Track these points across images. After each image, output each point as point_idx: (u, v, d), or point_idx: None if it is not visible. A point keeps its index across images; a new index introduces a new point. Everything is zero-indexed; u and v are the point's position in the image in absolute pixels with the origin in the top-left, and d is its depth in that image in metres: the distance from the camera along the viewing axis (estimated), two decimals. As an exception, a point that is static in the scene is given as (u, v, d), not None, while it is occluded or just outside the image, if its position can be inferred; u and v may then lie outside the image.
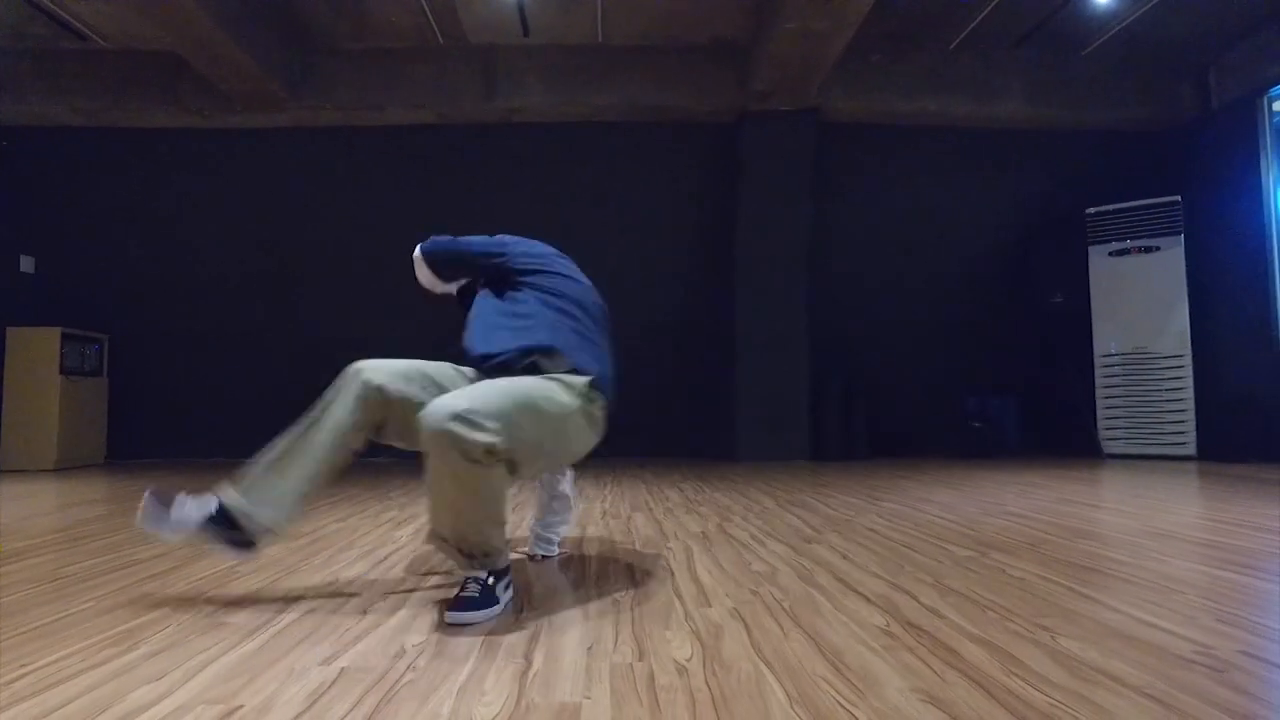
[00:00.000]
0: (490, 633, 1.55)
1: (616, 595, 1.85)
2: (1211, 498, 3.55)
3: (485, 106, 5.53)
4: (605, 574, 2.09)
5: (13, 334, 5.62)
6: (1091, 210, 5.83)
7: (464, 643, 1.48)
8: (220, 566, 2.19)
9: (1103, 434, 5.72)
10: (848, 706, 1.16)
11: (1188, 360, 5.40)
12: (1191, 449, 5.36)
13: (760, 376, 5.88)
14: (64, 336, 5.63)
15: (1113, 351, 5.75)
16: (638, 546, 2.49)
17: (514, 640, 1.50)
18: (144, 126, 5.80)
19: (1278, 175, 5.26)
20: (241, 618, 1.67)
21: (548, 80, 5.51)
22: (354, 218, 6.30)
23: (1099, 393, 5.76)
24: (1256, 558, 2.22)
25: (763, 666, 1.34)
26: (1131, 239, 5.66)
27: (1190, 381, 5.38)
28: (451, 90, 5.49)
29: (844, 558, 2.28)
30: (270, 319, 6.35)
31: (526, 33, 5.34)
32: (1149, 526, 2.77)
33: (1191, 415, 5.37)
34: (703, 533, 2.73)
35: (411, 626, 1.60)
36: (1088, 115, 5.83)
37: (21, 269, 5.92)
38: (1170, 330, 5.48)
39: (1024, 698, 1.19)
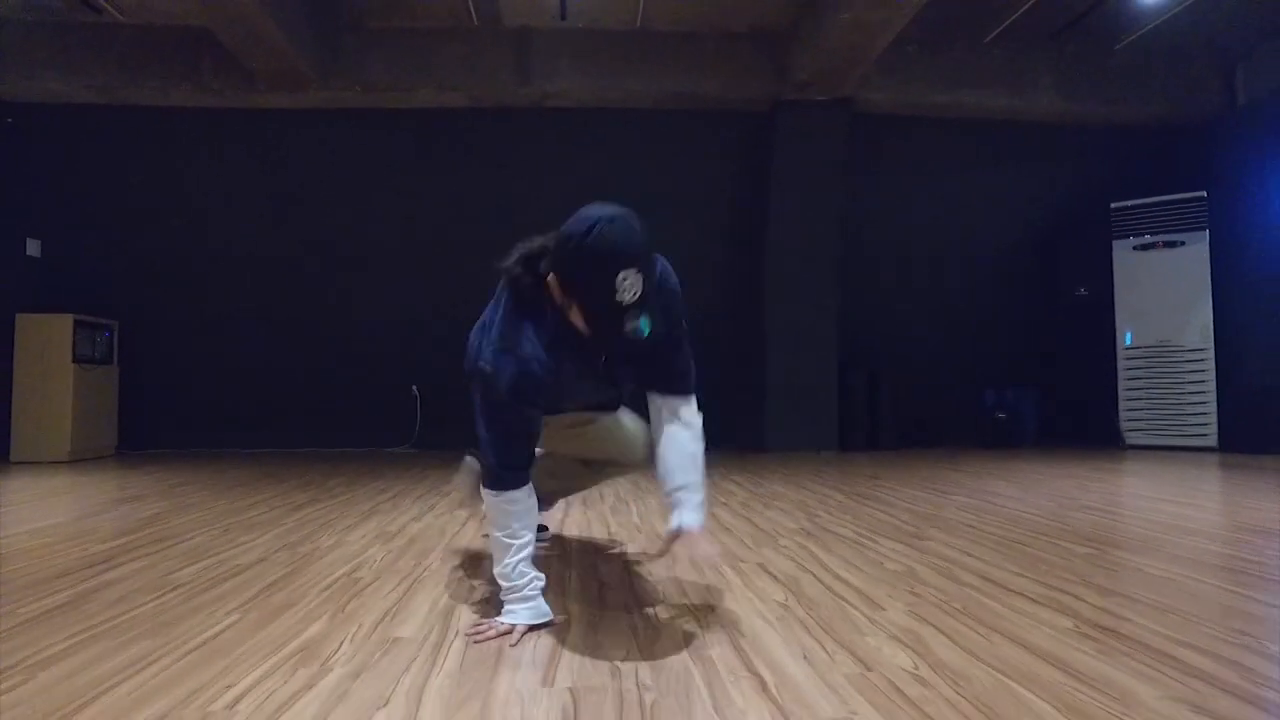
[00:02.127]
0: (688, 646, 1.51)
1: (776, 599, 1.82)
2: (1245, 490, 3.63)
3: (518, 91, 5.41)
4: (744, 574, 2.06)
5: (22, 320, 5.37)
6: (1116, 205, 5.91)
7: (677, 660, 1.44)
8: (338, 573, 2.12)
9: (1125, 425, 5.83)
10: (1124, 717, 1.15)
11: (1210, 353, 5.52)
12: (1213, 440, 5.49)
13: (789, 366, 5.89)
14: (75, 324, 5.42)
15: (1129, 344, 5.86)
16: (751, 544, 2.46)
17: (721, 653, 1.46)
18: (158, 105, 5.55)
19: (1300, 172, 5.38)
20: (410, 630, 1.61)
21: (582, 65, 5.40)
22: (376, 203, 6.13)
23: (1121, 385, 5.87)
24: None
25: (998, 674, 1.32)
26: (1156, 234, 5.75)
27: (1213, 374, 5.50)
28: (484, 73, 5.35)
29: (967, 554, 2.28)
30: (287, 306, 6.17)
31: (564, 16, 5.23)
32: (1241, 522, 2.81)
33: (1213, 407, 5.49)
34: (804, 529, 2.72)
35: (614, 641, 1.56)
36: (1118, 110, 5.89)
37: (28, 253, 5.67)
38: (1194, 324, 5.59)
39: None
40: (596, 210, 1.58)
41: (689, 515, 1.59)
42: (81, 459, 5.45)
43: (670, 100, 5.69)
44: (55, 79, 5.17)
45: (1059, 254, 6.34)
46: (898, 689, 1.27)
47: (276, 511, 3.17)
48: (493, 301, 1.75)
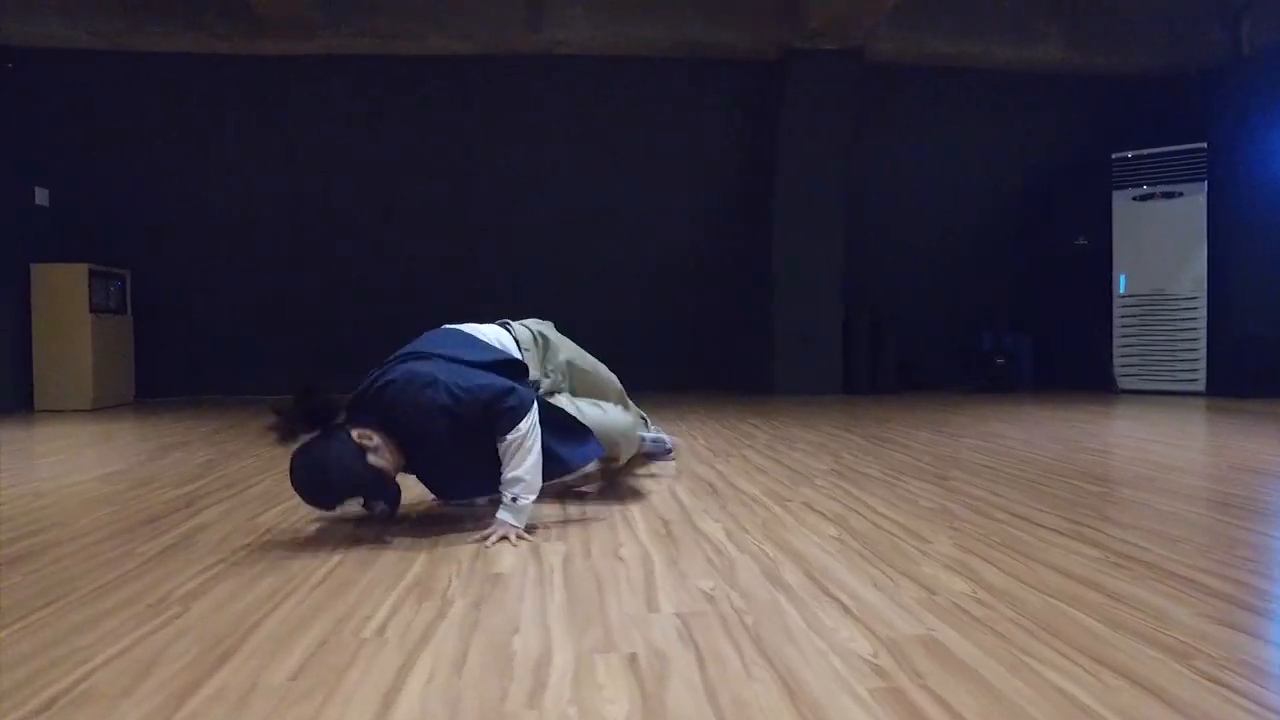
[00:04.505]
0: (765, 575, 1.68)
1: (830, 533, 1.99)
2: (1236, 433, 3.86)
3: (529, 37, 5.36)
4: (794, 512, 2.23)
5: (37, 271, 5.39)
6: (1117, 155, 6.02)
7: (760, 587, 1.61)
8: (413, 515, 2.28)
9: (1118, 371, 6.06)
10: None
11: (1202, 302, 5.72)
12: (1201, 386, 5.74)
13: (796, 312, 6.04)
14: (90, 273, 5.43)
15: (1122, 290, 6.04)
16: (789, 484, 2.63)
17: (796, 580, 1.63)
18: (165, 51, 5.45)
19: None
20: (505, 566, 1.76)
21: (594, 12, 5.35)
22: (385, 150, 6.11)
23: (1116, 332, 6.08)
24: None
25: (1046, 596, 1.49)
26: (1156, 184, 5.88)
27: (1204, 322, 5.71)
28: (495, 20, 5.29)
29: (992, 493, 2.46)
30: (297, 253, 6.19)
31: (577, -39, 5.17)
32: (1234, 461, 3.02)
33: (1203, 354, 5.72)
34: (834, 470, 2.90)
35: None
36: (1123, 60, 5.95)
37: (36, 202, 5.62)
38: (1188, 273, 5.78)
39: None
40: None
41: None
42: (102, 407, 5.54)
43: (681, 48, 5.67)
44: (59, 24, 5.06)
45: (1059, 204, 6.46)
46: (963, 610, 1.44)
47: (324, 457, 3.30)
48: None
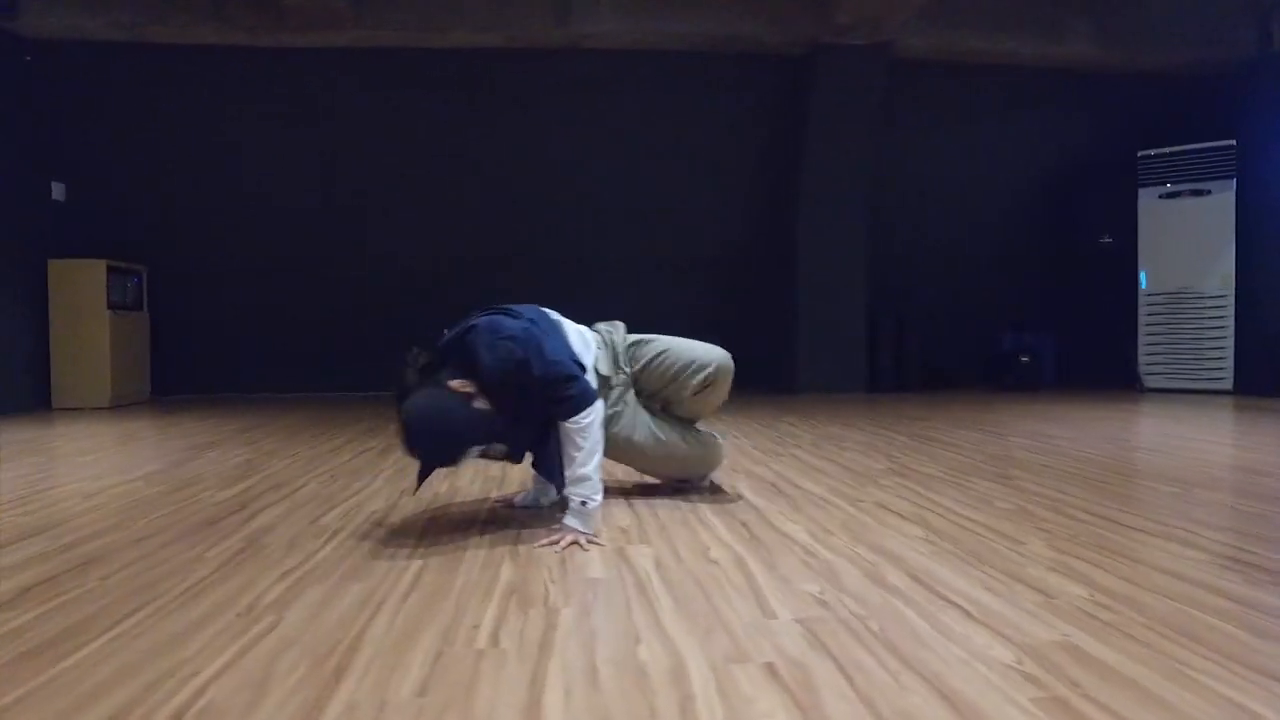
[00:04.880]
0: (870, 577, 1.63)
1: (915, 534, 1.94)
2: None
3: (556, 31, 5.29)
4: (870, 512, 2.18)
5: (54, 267, 5.30)
6: (1144, 153, 5.98)
7: (869, 590, 1.56)
8: (479, 519, 2.22)
9: (1143, 369, 6.03)
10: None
11: (1230, 300, 5.69)
12: (1228, 384, 5.71)
13: (821, 309, 6.00)
14: (108, 269, 5.35)
15: (1144, 286, 6.01)
16: (854, 484, 2.58)
17: (903, 583, 1.58)
18: (185, 43, 5.37)
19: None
20: (597, 570, 1.71)
21: (621, 6, 5.28)
22: (408, 144, 6.03)
23: (1141, 330, 6.05)
24: None
25: (1168, 599, 1.44)
26: (1183, 182, 5.84)
27: (1232, 320, 5.68)
28: (522, 13, 5.22)
29: (1062, 493, 2.41)
30: (316, 249, 6.11)
31: (604, -46, 5.10)
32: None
33: (1230, 353, 5.70)
34: (892, 470, 2.85)
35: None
36: (1152, 57, 5.91)
37: (53, 196, 5.53)
38: (1216, 271, 5.75)
39: None
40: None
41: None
42: (120, 405, 5.46)
43: (708, 43, 5.60)
44: (77, 14, 4.96)
45: (1084, 202, 6.43)
46: (1088, 615, 1.39)
47: (365, 457, 3.24)
48: None
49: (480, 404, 1.90)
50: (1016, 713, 1.04)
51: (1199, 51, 5.90)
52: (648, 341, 2.38)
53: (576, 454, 1.94)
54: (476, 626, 1.36)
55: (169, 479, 2.79)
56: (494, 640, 1.30)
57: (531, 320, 2.03)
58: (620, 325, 2.42)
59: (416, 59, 5.71)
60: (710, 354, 2.35)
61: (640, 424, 2.32)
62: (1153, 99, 6.35)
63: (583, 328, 2.30)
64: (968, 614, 1.40)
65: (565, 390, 1.93)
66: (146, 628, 1.36)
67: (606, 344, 2.32)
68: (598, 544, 1.89)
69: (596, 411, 1.98)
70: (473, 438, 1.90)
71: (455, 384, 1.88)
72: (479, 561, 1.76)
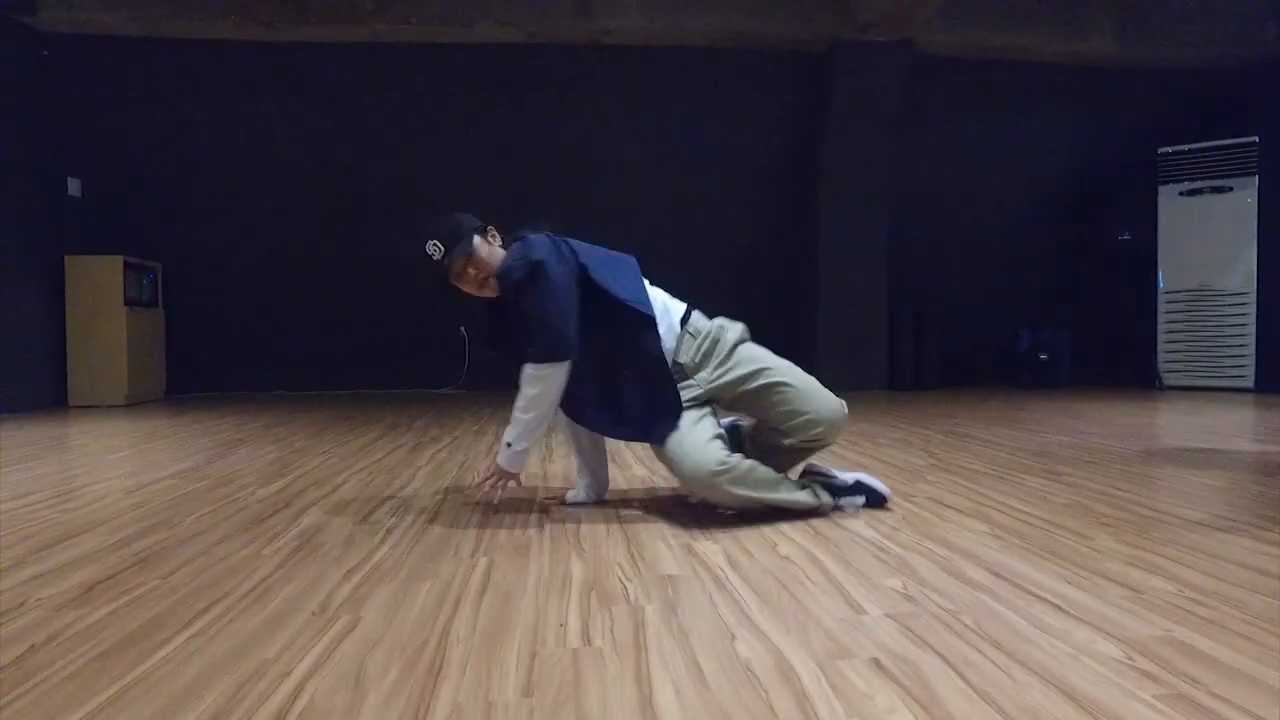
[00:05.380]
0: (949, 572, 1.61)
1: (980, 529, 1.92)
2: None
3: (579, 26, 5.25)
4: (926, 507, 2.15)
5: (71, 263, 5.26)
6: (1164, 150, 5.96)
7: (952, 584, 1.54)
8: (530, 513, 2.20)
9: (1162, 366, 6.01)
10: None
11: (1252, 297, 5.67)
12: (1249, 382, 5.69)
13: (842, 305, 5.98)
14: (125, 265, 5.31)
15: (1161, 286, 5.99)
16: (903, 480, 2.55)
17: (983, 577, 1.55)
18: (202, 38, 5.32)
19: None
20: (670, 566, 1.68)
21: (645, 1, 5.25)
22: (427, 140, 5.99)
23: (1161, 327, 6.03)
24: None
25: (1259, 594, 1.42)
26: (1204, 179, 5.82)
27: (1253, 318, 5.66)
28: (545, 8, 5.18)
29: (1115, 488, 2.38)
30: (333, 246, 6.07)
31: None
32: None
33: (1252, 350, 5.68)
34: (936, 465, 2.81)
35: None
36: (1173, 54, 5.89)
37: (69, 192, 5.49)
38: (1237, 269, 5.73)
39: None
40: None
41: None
42: (136, 403, 5.42)
43: (730, 39, 5.57)
44: (98, 10, 4.92)
45: (1104, 199, 6.40)
46: (1185, 610, 1.37)
47: (397, 454, 3.21)
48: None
49: (484, 246, 2.12)
50: (1145, 710, 1.01)
51: (1220, 48, 5.88)
52: (762, 362, 2.14)
53: (520, 399, 2.04)
54: (563, 625, 1.33)
55: (205, 476, 2.76)
56: (586, 638, 1.27)
57: (581, 263, 2.06)
58: (738, 326, 2.23)
59: (437, 54, 5.67)
60: (827, 406, 2.14)
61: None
62: (1174, 95, 6.33)
63: (680, 305, 2.20)
64: (1059, 608, 1.37)
65: (539, 334, 1.99)
66: (221, 626, 1.33)
67: (707, 336, 2.16)
68: (516, 484, 2.17)
69: (557, 373, 2.00)
70: (454, 236, 2.10)
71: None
72: (545, 557, 1.73)
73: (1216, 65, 6.01)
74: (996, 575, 1.57)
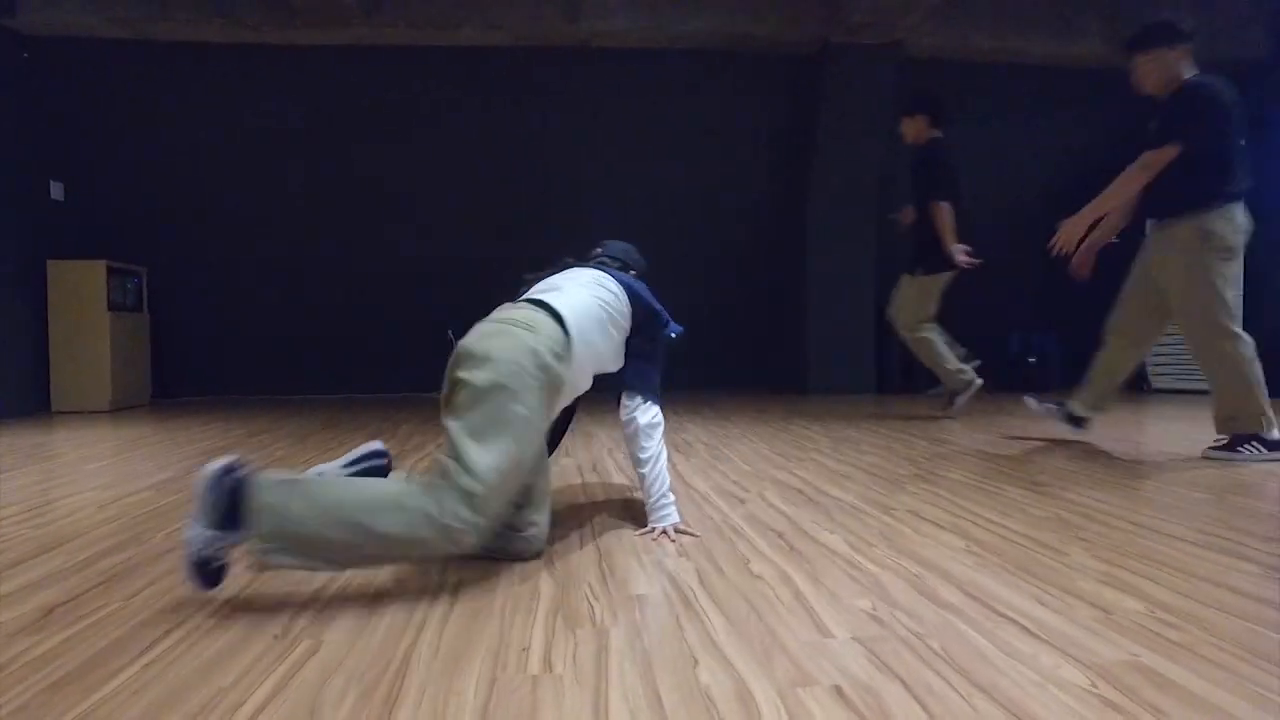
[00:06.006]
0: (921, 591, 1.59)
1: (957, 545, 1.91)
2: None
3: (566, 29, 5.24)
4: (905, 520, 2.14)
5: (54, 267, 5.22)
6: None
7: (921, 605, 1.53)
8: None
9: (1151, 370, 6.02)
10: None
11: (1239, 299, 5.66)
12: (1237, 383, 5.69)
13: (831, 309, 5.97)
14: (108, 270, 5.28)
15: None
16: (884, 491, 2.54)
17: (955, 598, 1.54)
18: (187, 40, 5.29)
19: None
20: (642, 586, 1.66)
21: (633, 4, 5.24)
22: (413, 143, 5.97)
23: (1149, 330, 6.03)
24: None
25: (1228, 614, 1.41)
26: (1192, 181, 5.81)
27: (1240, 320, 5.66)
28: (532, 10, 5.16)
29: (1095, 500, 2.37)
30: (318, 250, 6.05)
31: (613, -49, 5.04)
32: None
33: (1239, 352, 5.68)
34: (920, 475, 2.81)
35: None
36: (1161, 56, 5.87)
37: (51, 196, 5.45)
38: (1225, 271, 5.72)
39: None
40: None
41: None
42: (120, 408, 5.39)
43: (719, 41, 5.56)
44: (79, 11, 4.88)
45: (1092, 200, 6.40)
46: (1153, 632, 1.36)
47: (379, 463, 3.19)
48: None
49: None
50: (1104, 742, 1.00)
51: (1208, 52, 5.85)
52: None
53: (652, 447, 2.04)
54: (525, 649, 1.32)
55: (182, 488, 2.73)
56: (547, 664, 1.25)
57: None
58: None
59: (424, 57, 5.65)
60: None
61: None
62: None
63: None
64: (1028, 631, 1.36)
65: (654, 378, 2.09)
66: (180, 653, 1.31)
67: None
68: (690, 534, 2.04)
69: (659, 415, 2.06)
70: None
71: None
72: (515, 577, 1.71)
73: (1205, 68, 5.99)
74: (968, 595, 1.55)
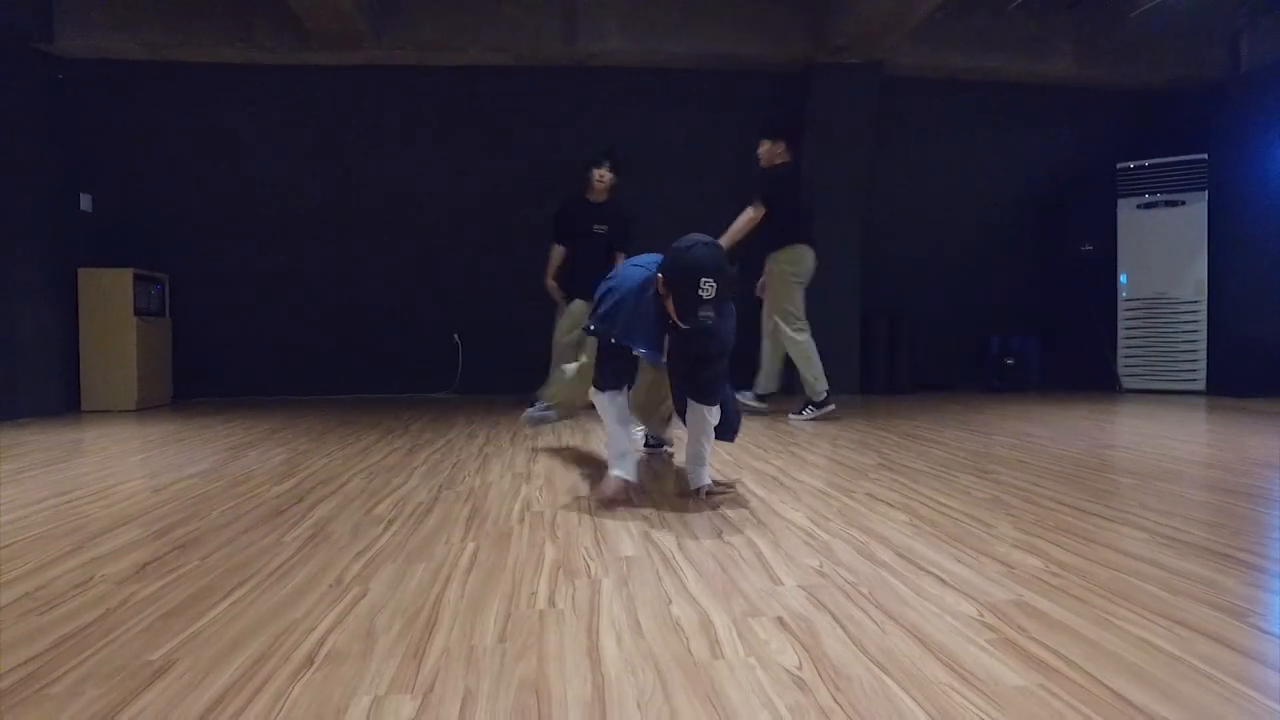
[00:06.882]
0: (861, 553, 1.91)
1: (901, 519, 2.22)
2: (1245, 430, 4.13)
3: (565, 50, 5.57)
4: (862, 501, 2.45)
5: (84, 275, 5.55)
6: (1122, 165, 6.30)
7: (859, 563, 1.84)
8: (514, 507, 2.49)
9: (1122, 371, 6.35)
10: None
11: (1204, 305, 6.01)
12: (1201, 385, 6.04)
13: (818, 315, 6.27)
14: (135, 277, 5.61)
15: (1124, 284, 6.34)
16: (848, 478, 2.85)
17: (889, 557, 1.86)
18: (208, 62, 5.63)
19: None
20: (628, 549, 1.98)
21: (627, 26, 5.58)
22: (422, 157, 6.31)
23: (1120, 334, 6.37)
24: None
25: (1114, 571, 1.73)
26: (1159, 193, 6.17)
27: (1205, 325, 6.01)
28: (533, 33, 5.50)
29: (1035, 485, 2.69)
30: (333, 260, 6.38)
31: (611, -22, 5.38)
32: (1248, 456, 3.28)
33: (1204, 355, 6.02)
34: (883, 464, 3.13)
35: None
36: (1129, 75, 6.24)
37: (81, 207, 5.78)
38: (1189, 278, 6.08)
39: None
40: (696, 236, 2.35)
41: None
42: (145, 408, 5.71)
43: (709, 61, 5.90)
44: (111, 37, 5.22)
45: (1067, 212, 6.74)
46: (1042, 580, 1.67)
47: (395, 456, 3.50)
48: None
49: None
50: (975, 650, 1.32)
51: (1174, 70, 6.22)
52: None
53: (708, 434, 2.57)
54: (534, 593, 1.64)
55: (223, 475, 3.05)
56: (551, 603, 1.57)
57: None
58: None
59: (432, 77, 5.99)
60: None
61: None
62: (1130, 114, 6.69)
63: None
64: (941, 580, 1.68)
65: (721, 379, 2.57)
66: (255, 597, 1.63)
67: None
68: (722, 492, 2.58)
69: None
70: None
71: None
72: (524, 543, 2.03)
73: (1170, 87, 6.36)
74: (900, 556, 1.87)
